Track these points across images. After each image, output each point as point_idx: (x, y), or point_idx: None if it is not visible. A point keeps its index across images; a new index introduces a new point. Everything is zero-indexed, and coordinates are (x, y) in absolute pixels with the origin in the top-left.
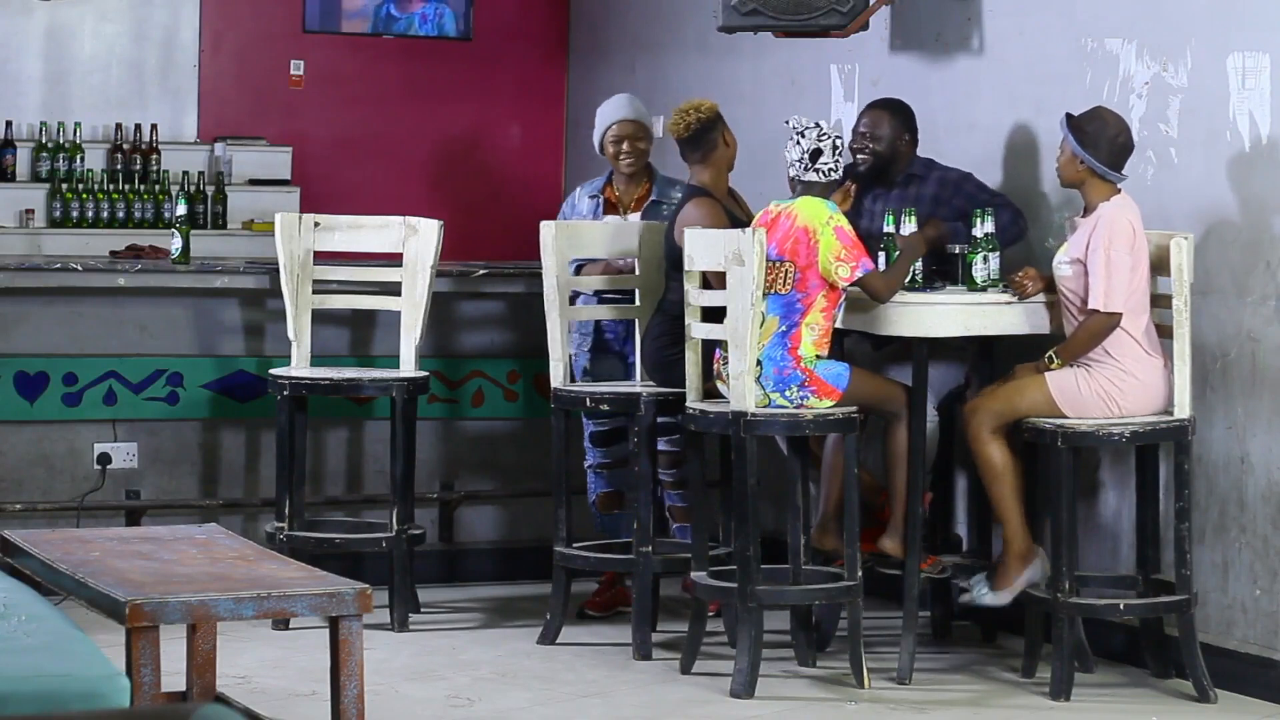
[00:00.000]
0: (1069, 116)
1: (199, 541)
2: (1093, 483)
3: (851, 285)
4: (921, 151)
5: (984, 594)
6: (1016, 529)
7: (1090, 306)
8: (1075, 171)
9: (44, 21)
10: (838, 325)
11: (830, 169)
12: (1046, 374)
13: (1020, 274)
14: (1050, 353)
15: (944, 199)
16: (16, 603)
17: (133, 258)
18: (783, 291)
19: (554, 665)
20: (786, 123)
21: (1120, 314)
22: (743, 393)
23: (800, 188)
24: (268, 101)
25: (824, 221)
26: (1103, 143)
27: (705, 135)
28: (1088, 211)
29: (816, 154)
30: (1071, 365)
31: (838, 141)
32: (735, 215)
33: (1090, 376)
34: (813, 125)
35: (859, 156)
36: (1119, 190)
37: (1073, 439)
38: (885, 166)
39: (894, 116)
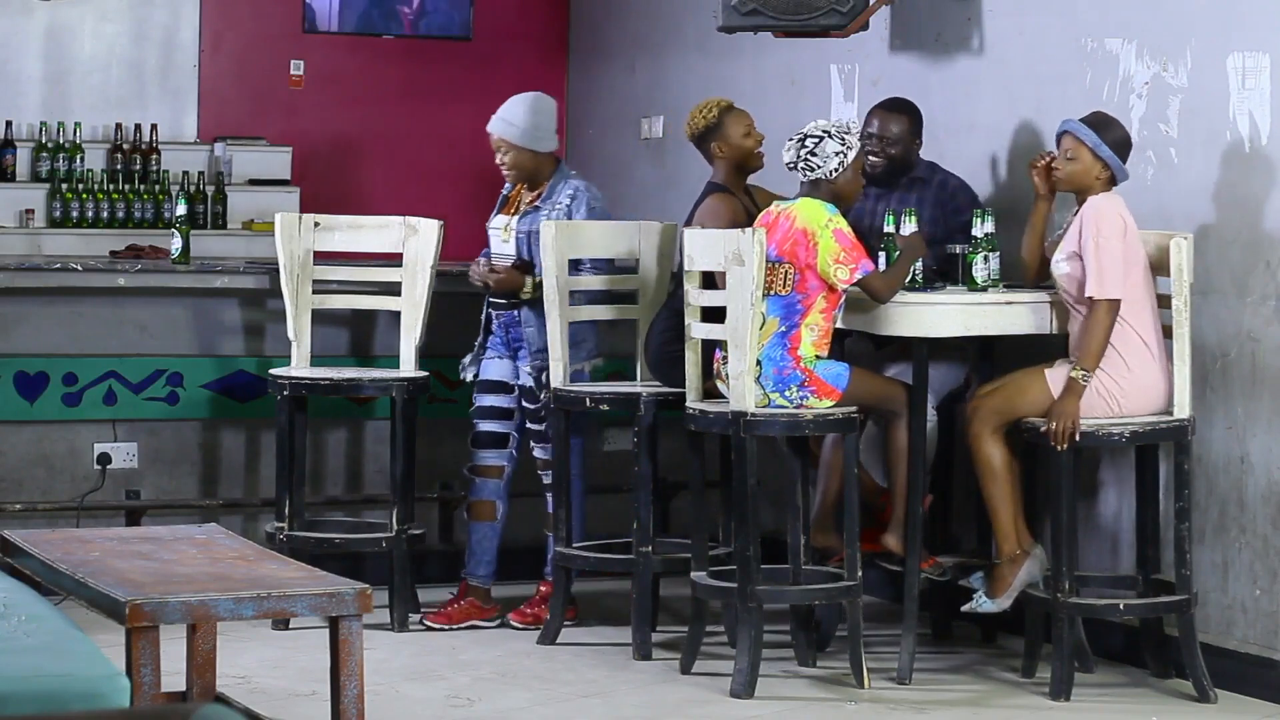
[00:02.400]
0: (1077, 121)
1: (199, 541)
2: (1093, 483)
3: (851, 286)
4: (922, 152)
5: (983, 603)
6: (1008, 531)
7: (1087, 294)
8: (1095, 174)
9: (44, 21)
10: (838, 325)
11: (806, 168)
12: (1046, 372)
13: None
14: (1073, 372)
15: (943, 201)
16: (16, 603)
17: (133, 258)
18: (782, 293)
19: (554, 665)
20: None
21: (1119, 299)
22: (743, 393)
23: (800, 189)
24: (268, 101)
25: (823, 224)
26: (1118, 142)
27: (701, 144)
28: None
29: (787, 152)
30: (1069, 361)
31: (809, 141)
32: (752, 212)
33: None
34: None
35: (871, 159)
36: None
37: (1075, 437)
38: (898, 170)
39: (908, 118)
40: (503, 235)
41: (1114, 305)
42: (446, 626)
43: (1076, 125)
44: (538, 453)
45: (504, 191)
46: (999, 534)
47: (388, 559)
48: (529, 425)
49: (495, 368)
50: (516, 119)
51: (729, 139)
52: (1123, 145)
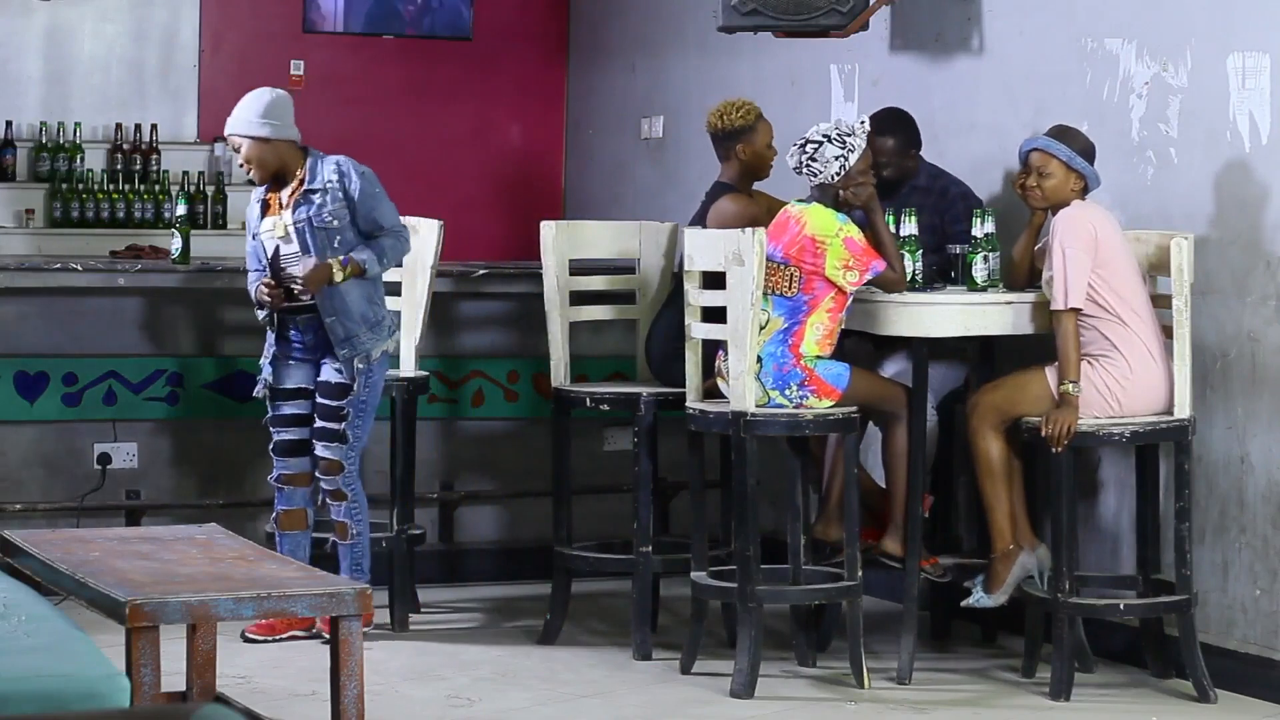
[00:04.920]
0: (1044, 138)
1: (199, 541)
2: (1093, 483)
3: (863, 287)
4: (923, 153)
5: (980, 598)
6: (1002, 528)
7: (1052, 309)
8: (1071, 185)
9: (44, 21)
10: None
11: (809, 174)
12: (1047, 370)
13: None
14: (1062, 386)
15: (942, 209)
16: (16, 603)
17: (133, 258)
18: (789, 294)
19: (554, 665)
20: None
21: (1077, 308)
22: (743, 393)
23: (810, 192)
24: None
25: (833, 233)
26: (1086, 150)
27: (723, 142)
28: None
29: (791, 158)
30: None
31: (809, 146)
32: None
33: (1093, 370)
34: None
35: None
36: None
37: (1073, 439)
38: (892, 184)
39: (896, 138)
40: (279, 233)
41: (1072, 314)
42: (269, 638)
43: (1046, 141)
44: (320, 450)
45: (257, 198)
46: (993, 530)
47: (388, 559)
48: (321, 423)
49: (297, 374)
50: (249, 113)
51: (755, 144)
52: (1089, 153)
